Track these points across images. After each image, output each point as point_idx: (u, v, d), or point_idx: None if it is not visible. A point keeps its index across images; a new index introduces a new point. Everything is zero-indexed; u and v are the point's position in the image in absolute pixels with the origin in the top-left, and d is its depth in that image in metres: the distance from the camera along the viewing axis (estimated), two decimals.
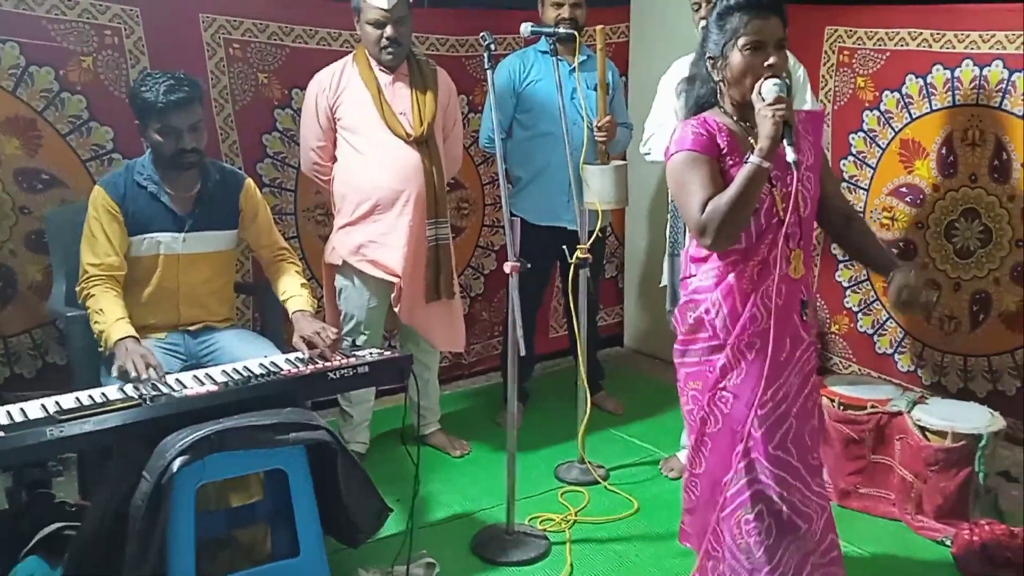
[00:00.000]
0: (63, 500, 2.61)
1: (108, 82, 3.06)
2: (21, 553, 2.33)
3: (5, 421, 1.97)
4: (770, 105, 1.85)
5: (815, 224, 2.08)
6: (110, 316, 2.40)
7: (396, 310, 3.06)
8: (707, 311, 2.01)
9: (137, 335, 2.39)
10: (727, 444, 2.03)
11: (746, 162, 1.86)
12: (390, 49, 2.93)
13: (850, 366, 3.72)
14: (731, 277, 1.98)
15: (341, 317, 3.12)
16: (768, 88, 1.86)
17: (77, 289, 2.50)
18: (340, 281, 3.10)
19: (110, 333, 2.37)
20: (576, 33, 3.10)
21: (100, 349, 2.46)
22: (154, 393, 2.13)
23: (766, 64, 1.88)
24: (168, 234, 2.57)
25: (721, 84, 1.99)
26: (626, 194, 3.21)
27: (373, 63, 2.99)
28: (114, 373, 2.30)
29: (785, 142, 1.84)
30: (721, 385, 2.02)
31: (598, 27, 3.04)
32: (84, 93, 3.03)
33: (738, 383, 2.00)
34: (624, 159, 3.47)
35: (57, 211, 2.89)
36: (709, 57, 1.98)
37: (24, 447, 1.90)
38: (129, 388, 2.19)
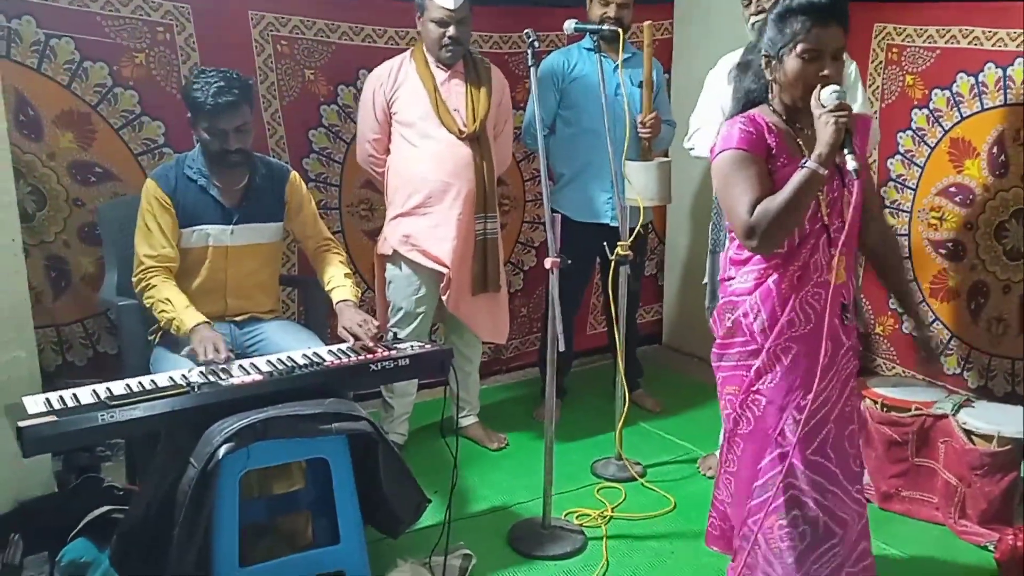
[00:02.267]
0: (111, 484, 2.69)
1: (160, 78, 3.12)
2: (70, 535, 2.40)
3: (58, 406, 2.03)
4: (832, 112, 1.82)
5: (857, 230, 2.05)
6: (178, 304, 2.48)
7: (444, 299, 3.11)
8: (745, 314, 2.00)
9: (209, 321, 2.47)
10: (758, 446, 2.02)
11: (802, 166, 1.84)
12: (450, 47, 2.99)
13: (894, 367, 3.67)
14: (771, 280, 1.97)
15: (389, 308, 3.17)
16: (828, 95, 1.84)
17: (134, 279, 2.56)
18: (390, 271, 3.16)
19: (183, 320, 2.44)
20: (620, 31, 3.10)
21: (169, 332, 2.54)
22: (202, 381, 2.17)
23: (820, 74, 1.86)
24: (217, 226, 2.63)
25: (773, 83, 1.97)
26: (669, 191, 3.20)
27: (430, 59, 3.05)
28: (184, 352, 2.40)
29: (845, 150, 1.82)
30: (755, 388, 2.01)
31: (646, 23, 3.04)
32: (136, 88, 3.10)
33: (772, 387, 1.99)
34: (667, 156, 3.46)
35: (109, 204, 2.97)
36: (764, 54, 1.96)
37: (76, 431, 1.97)
38: (177, 375, 2.24)
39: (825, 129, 1.82)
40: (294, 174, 2.81)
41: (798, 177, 1.84)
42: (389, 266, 3.16)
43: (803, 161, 1.85)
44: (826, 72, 1.86)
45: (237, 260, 2.67)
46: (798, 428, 1.94)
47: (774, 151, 1.93)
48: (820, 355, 1.88)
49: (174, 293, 2.52)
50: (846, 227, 1.89)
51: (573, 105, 3.39)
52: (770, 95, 2.00)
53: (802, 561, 1.99)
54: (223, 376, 2.23)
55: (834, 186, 1.91)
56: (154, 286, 2.52)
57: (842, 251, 1.94)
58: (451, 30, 2.96)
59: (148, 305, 2.52)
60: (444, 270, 3.06)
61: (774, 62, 1.94)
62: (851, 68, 2.90)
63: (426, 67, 3.04)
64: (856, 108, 2.73)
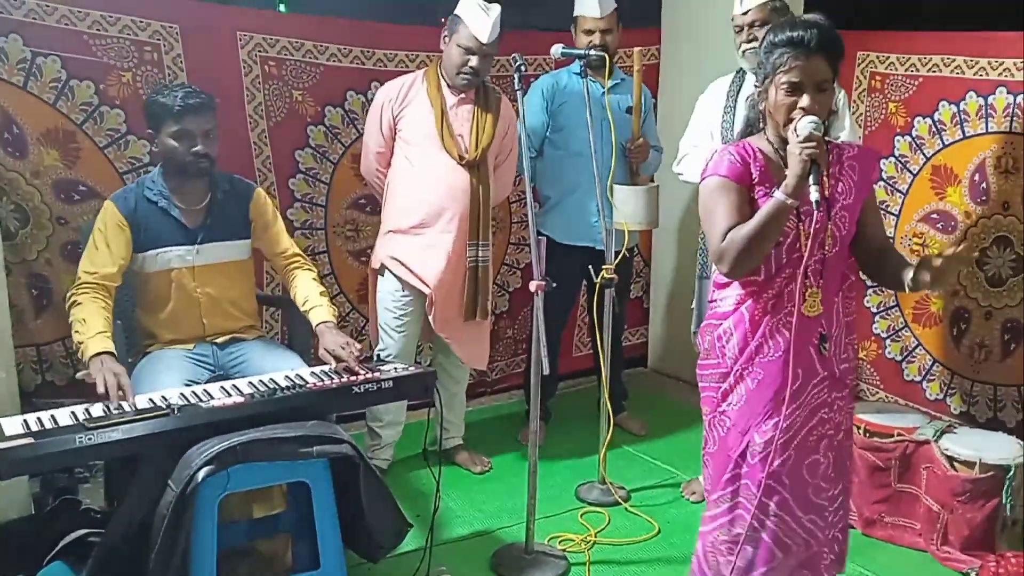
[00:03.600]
0: (89, 507, 2.65)
1: (146, 96, 3.11)
2: (47, 559, 2.36)
3: (35, 428, 2.01)
4: (800, 143, 1.86)
5: (845, 261, 2.05)
6: (91, 328, 2.37)
7: (430, 319, 3.11)
8: (719, 336, 2.05)
9: (114, 352, 2.35)
10: (720, 466, 2.08)
11: (772, 196, 1.88)
12: (468, 76, 3.01)
13: (877, 393, 3.68)
14: (746, 306, 2.02)
15: (377, 322, 3.18)
16: (802, 125, 1.87)
17: (67, 295, 2.49)
18: (380, 286, 3.17)
19: (88, 345, 2.33)
20: (607, 56, 3.12)
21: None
22: (182, 403, 2.16)
23: (799, 107, 1.89)
24: (181, 247, 2.59)
25: (765, 112, 2.02)
26: (657, 216, 3.21)
27: (444, 81, 3.06)
28: (79, 375, 2.28)
29: (811, 180, 1.85)
30: (721, 409, 2.06)
31: (636, 49, 3.06)
32: (123, 107, 3.10)
33: (736, 409, 2.04)
34: (653, 181, 3.48)
35: (92, 222, 2.94)
36: (755, 85, 2.01)
37: (53, 454, 1.94)
38: (157, 397, 2.22)
39: (792, 160, 1.87)
40: (258, 191, 2.77)
41: (766, 207, 1.89)
42: (380, 281, 3.17)
43: (773, 189, 1.89)
44: (804, 104, 1.88)
45: (206, 280, 2.63)
46: (757, 451, 2.00)
47: (756, 180, 1.97)
48: (786, 383, 1.93)
49: (93, 315, 2.40)
50: (807, 257, 1.91)
51: (561, 128, 3.41)
52: (765, 124, 2.04)
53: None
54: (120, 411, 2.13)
55: (816, 218, 1.93)
56: (79, 304, 2.43)
57: (819, 284, 1.97)
58: (474, 60, 2.97)
59: (70, 322, 2.44)
60: (426, 290, 3.07)
61: (762, 92, 1.98)
62: (840, 96, 2.93)
63: (438, 89, 3.05)
64: (844, 136, 2.77)
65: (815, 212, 1.88)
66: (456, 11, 3.00)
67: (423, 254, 3.06)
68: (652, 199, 3.16)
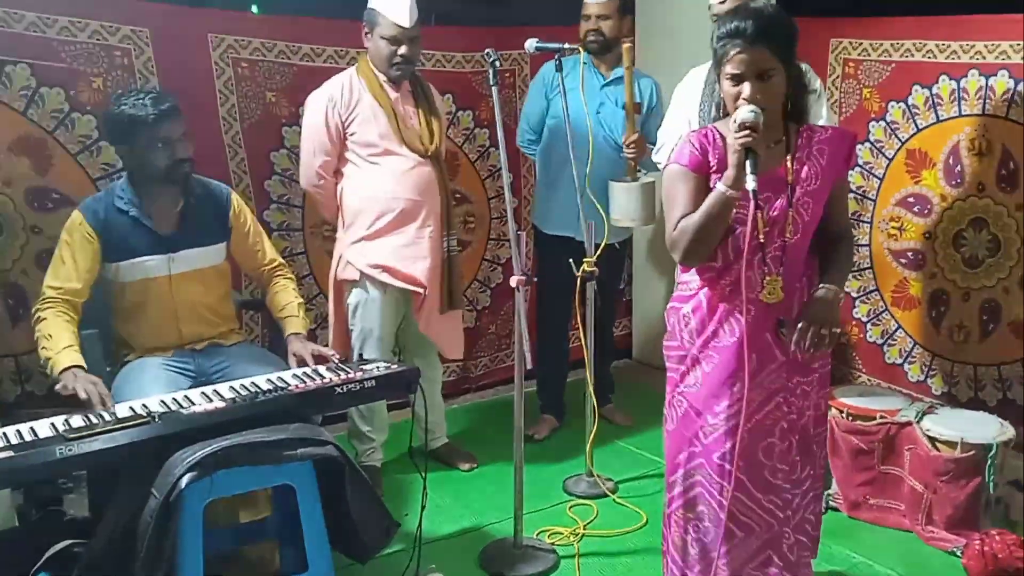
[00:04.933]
0: (73, 517, 2.62)
1: (108, 108, 3.07)
2: (32, 570, 2.34)
3: (15, 440, 1.99)
4: (735, 132, 1.88)
5: (807, 248, 2.06)
6: (58, 343, 2.35)
7: (417, 319, 3.09)
8: (680, 319, 2.11)
9: (84, 365, 2.33)
10: (676, 446, 2.14)
11: (717, 185, 1.92)
12: (401, 66, 2.96)
13: (859, 376, 3.70)
14: (703, 292, 2.06)
15: (356, 333, 3.09)
16: (739, 114, 1.89)
17: (33, 310, 2.47)
18: (356, 296, 3.07)
19: (56, 361, 2.32)
20: (578, 49, 3.08)
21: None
22: (163, 411, 2.14)
23: (744, 96, 1.91)
24: (155, 256, 2.55)
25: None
26: (653, 212, 3.20)
27: (381, 78, 3.00)
28: (58, 388, 2.26)
29: (748, 169, 1.86)
30: (679, 390, 2.12)
31: (625, 45, 3.03)
32: (94, 113, 3.06)
33: (693, 391, 2.09)
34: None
35: None
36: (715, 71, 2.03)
37: (34, 466, 1.92)
38: (138, 405, 2.20)
39: (730, 150, 1.90)
40: (235, 196, 2.74)
41: (709, 198, 1.93)
42: (355, 291, 3.07)
43: (716, 181, 1.93)
44: (745, 95, 1.90)
45: (182, 287, 2.60)
46: (711, 432, 2.05)
47: (714, 168, 2.00)
48: (741, 367, 1.97)
49: (59, 330, 2.39)
50: (746, 244, 1.93)
51: (556, 116, 3.39)
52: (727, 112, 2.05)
53: (704, 555, 2.11)
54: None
55: (775, 205, 1.95)
56: (44, 319, 2.41)
57: (778, 271, 1.99)
58: (403, 48, 2.93)
59: (36, 338, 2.42)
60: (420, 290, 3.04)
61: (717, 82, 2.01)
62: (816, 85, 2.93)
63: (380, 86, 2.99)
64: (821, 123, 2.77)
65: (782, 199, 1.90)
66: (369, 6, 2.95)
67: (405, 253, 3.01)
68: (647, 195, 3.15)
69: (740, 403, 1.99)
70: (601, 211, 3.14)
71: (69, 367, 2.30)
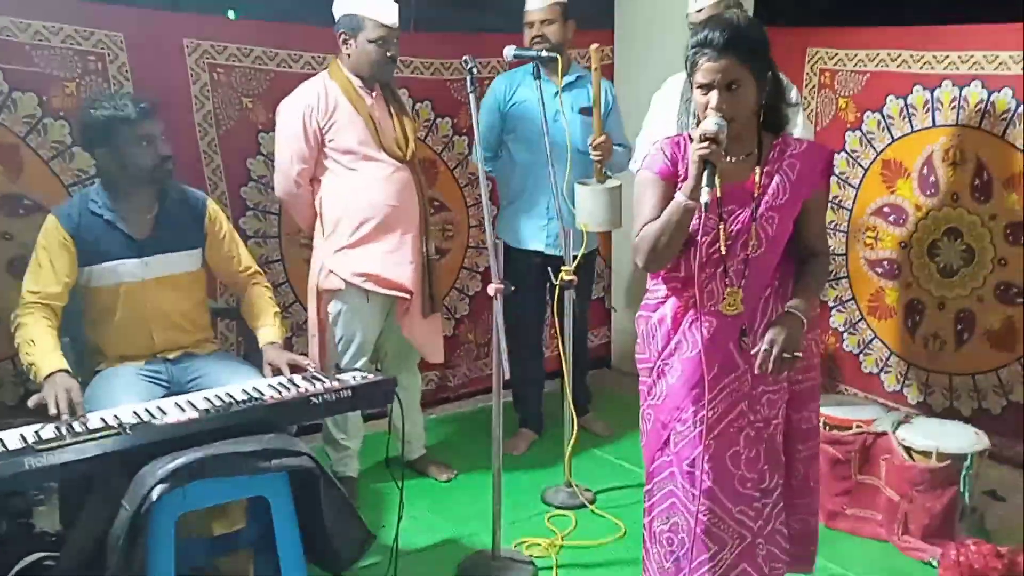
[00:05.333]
0: (43, 530, 2.57)
1: (84, 113, 3.03)
2: None
3: None
4: (697, 143, 1.89)
5: (775, 261, 2.05)
6: (42, 347, 2.32)
7: (400, 324, 3.07)
8: (648, 330, 2.11)
9: (69, 369, 2.30)
10: (650, 456, 2.15)
11: (676, 195, 1.93)
12: (389, 66, 2.97)
13: (836, 386, 3.72)
14: (670, 302, 2.07)
15: (338, 341, 3.05)
16: (703, 124, 1.90)
17: (12, 316, 2.43)
18: (337, 305, 3.03)
19: (41, 365, 2.28)
20: (558, 56, 3.08)
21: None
22: (134, 422, 2.10)
23: (711, 106, 1.91)
24: (129, 260, 2.53)
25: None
26: (619, 216, 3.20)
27: (356, 83, 2.97)
28: (31, 403, 2.19)
29: (704, 180, 1.86)
30: (647, 402, 2.13)
31: (593, 46, 3.01)
32: (67, 118, 3.02)
33: (659, 403, 2.10)
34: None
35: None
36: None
37: (1, 478, 1.88)
38: (109, 416, 2.16)
39: (690, 160, 1.90)
40: (211, 203, 2.72)
41: (670, 206, 1.94)
42: (336, 301, 3.03)
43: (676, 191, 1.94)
44: (712, 104, 1.91)
45: (156, 293, 2.57)
46: (678, 441, 2.06)
47: (683, 176, 1.99)
48: (702, 378, 1.98)
49: (41, 335, 2.35)
50: (701, 256, 1.95)
51: (513, 130, 3.40)
52: None
53: (679, 566, 2.11)
54: (79, 427, 2.11)
55: (739, 218, 1.96)
56: (26, 324, 2.38)
57: (740, 284, 2.00)
58: (392, 48, 2.93)
59: (16, 344, 2.38)
60: (406, 295, 3.02)
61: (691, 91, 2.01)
62: (791, 93, 2.94)
63: (355, 92, 2.96)
64: (796, 133, 2.79)
65: (743, 212, 1.93)
66: (346, 13, 2.92)
67: (389, 259, 2.99)
68: (613, 199, 3.13)
69: (701, 412, 2.01)
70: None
71: (54, 371, 2.26)
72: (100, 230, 2.50)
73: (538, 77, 3.01)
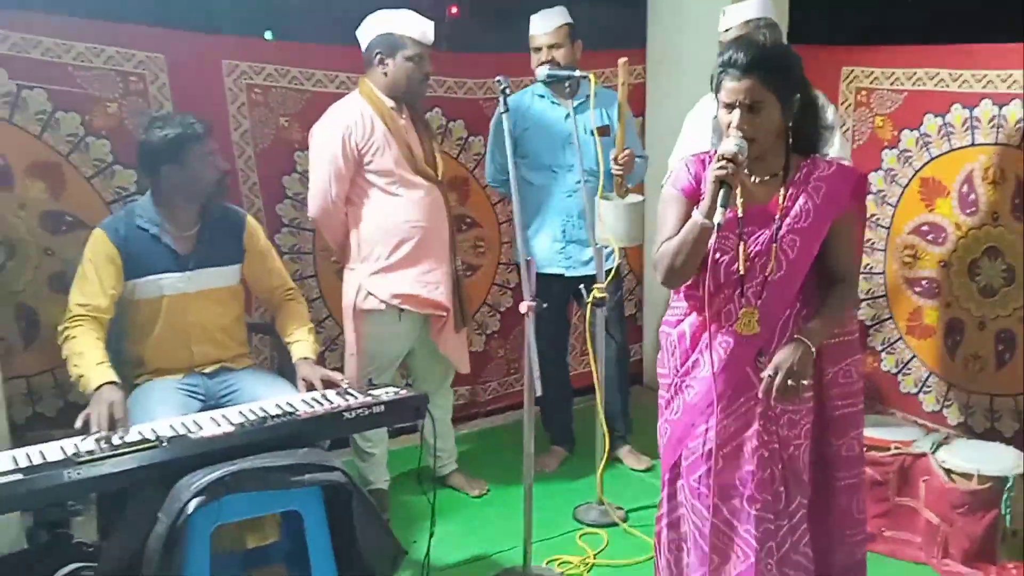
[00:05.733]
0: (81, 540, 2.61)
1: (132, 127, 3.11)
2: None
3: (24, 463, 1.99)
4: (715, 162, 1.90)
5: (796, 284, 2.02)
6: (91, 360, 2.36)
7: (436, 341, 3.13)
8: (668, 346, 2.13)
9: (117, 380, 2.34)
10: (665, 469, 2.18)
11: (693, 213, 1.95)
12: (424, 85, 3.02)
13: (874, 406, 3.66)
14: (689, 320, 2.08)
15: (371, 360, 3.07)
16: (723, 145, 1.92)
17: (59, 328, 2.47)
18: (375, 324, 3.04)
19: (89, 378, 2.31)
20: (592, 76, 3.07)
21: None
22: (171, 435, 2.13)
23: (731, 125, 1.93)
24: (172, 275, 2.58)
25: None
26: (641, 231, 3.19)
27: (388, 104, 2.98)
28: (78, 424, 2.21)
29: (720, 200, 1.88)
30: (665, 418, 2.15)
31: (621, 60, 2.99)
32: (108, 137, 3.09)
33: (675, 419, 2.12)
34: (642, 192, 3.45)
35: (80, 254, 2.92)
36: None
37: (42, 490, 1.92)
38: (146, 429, 2.19)
39: (707, 179, 1.92)
40: (250, 219, 2.78)
41: (687, 225, 1.96)
42: (373, 321, 3.04)
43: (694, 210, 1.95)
44: (734, 123, 1.92)
45: (197, 307, 2.62)
46: (691, 456, 2.08)
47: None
48: (711, 395, 2.00)
49: (90, 347, 2.39)
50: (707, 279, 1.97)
51: (524, 155, 3.36)
52: None
53: (682, 574, 2.14)
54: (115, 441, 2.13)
55: (760, 239, 1.95)
56: (74, 337, 2.41)
57: (756, 304, 1.99)
58: (427, 65, 2.97)
59: (64, 356, 2.42)
60: (443, 313, 3.07)
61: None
62: (828, 113, 2.89)
63: (390, 113, 2.97)
64: (833, 152, 2.74)
65: (764, 233, 1.95)
66: (381, 32, 2.93)
67: (427, 280, 3.04)
68: (636, 214, 3.12)
69: (714, 429, 2.02)
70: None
71: (103, 384, 2.30)
72: (145, 244, 2.56)
73: (573, 96, 3.01)
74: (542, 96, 3.38)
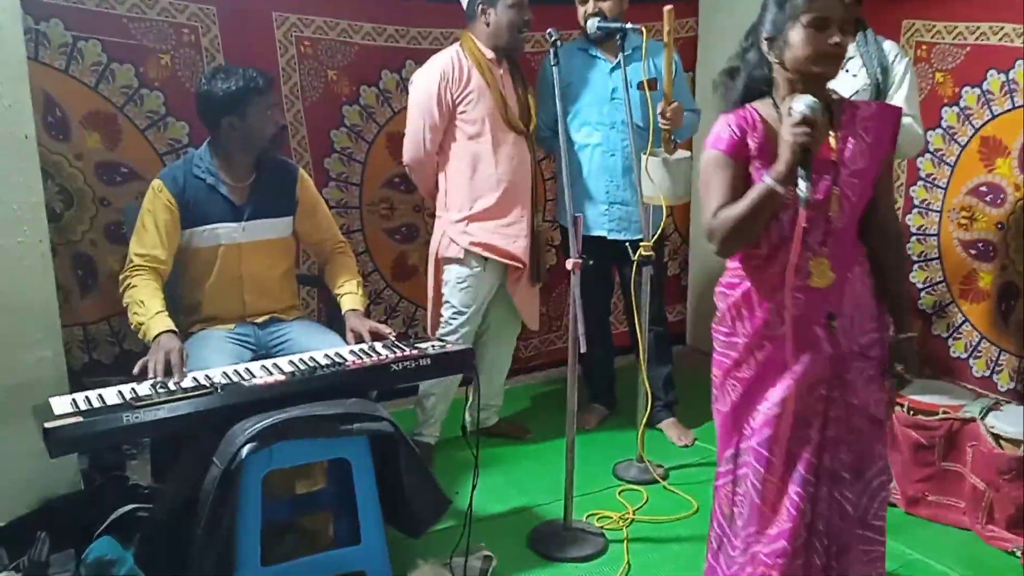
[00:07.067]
0: (136, 483, 2.71)
1: (184, 79, 3.15)
2: (96, 533, 2.42)
3: (84, 407, 2.05)
4: (792, 126, 1.76)
5: (855, 231, 1.97)
6: (150, 308, 2.42)
7: (511, 292, 3.20)
8: (731, 307, 2.03)
9: (176, 330, 2.40)
10: (729, 425, 2.08)
11: (763, 180, 1.82)
12: (525, 31, 3.03)
13: (922, 370, 3.61)
14: (752, 281, 1.98)
15: (451, 306, 3.14)
16: (797, 105, 1.76)
17: (120, 277, 2.54)
18: (455, 272, 3.12)
19: (149, 326, 2.38)
20: (643, 29, 3.00)
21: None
22: (225, 382, 2.19)
23: (830, 42, 1.77)
24: (228, 224, 2.63)
25: (779, 68, 1.89)
26: (688, 189, 3.14)
27: (488, 55, 3.02)
28: (136, 370, 2.26)
29: (800, 172, 1.76)
30: (733, 375, 2.04)
31: (667, 8, 2.90)
32: (162, 89, 3.13)
33: (746, 377, 2.02)
34: (690, 149, 3.38)
35: (134, 203, 2.95)
36: (766, 38, 1.88)
37: (101, 432, 1.99)
38: (201, 376, 2.25)
39: (783, 146, 1.78)
40: (302, 172, 2.81)
41: (754, 191, 1.83)
42: (456, 268, 3.11)
43: (763, 175, 1.82)
44: (837, 39, 1.77)
45: (251, 257, 2.67)
46: (760, 418, 1.99)
47: (753, 153, 1.90)
48: (783, 358, 1.93)
49: (150, 296, 2.45)
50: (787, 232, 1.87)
51: (566, 111, 3.31)
52: (774, 87, 1.93)
53: (746, 528, 2.06)
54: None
55: (819, 187, 1.87)
56: (134, 286, 2.47)
57: (823, 253, 1.90)
58: (527, 11, 2.99)
59: (125, 304, 2.49)
60: (519, 264, 3.13)
61: (779, 41, 1.85)
62: (900, 61, 2.75)
63: (487, 65, 3.01)
64: (896, 103, 2.64)
65: (820, 180, 1.84)
66: None
67: (508, 232, 3.09)
68: (683, 171, 3.06)
69: (786, 392, 1.95)
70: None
71: (162, 332, 2.37)
72: (203, 193, 2.61)
73: (624, 50, 2.95)
74: (583, 50, 3.32)
